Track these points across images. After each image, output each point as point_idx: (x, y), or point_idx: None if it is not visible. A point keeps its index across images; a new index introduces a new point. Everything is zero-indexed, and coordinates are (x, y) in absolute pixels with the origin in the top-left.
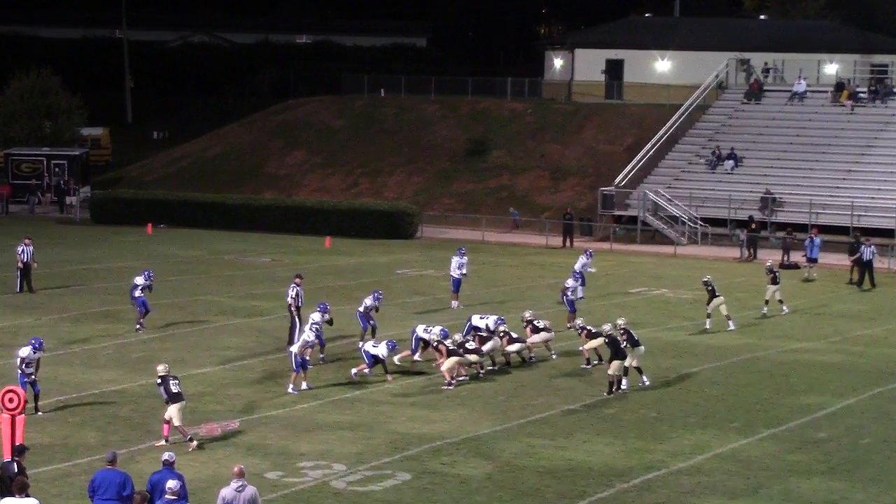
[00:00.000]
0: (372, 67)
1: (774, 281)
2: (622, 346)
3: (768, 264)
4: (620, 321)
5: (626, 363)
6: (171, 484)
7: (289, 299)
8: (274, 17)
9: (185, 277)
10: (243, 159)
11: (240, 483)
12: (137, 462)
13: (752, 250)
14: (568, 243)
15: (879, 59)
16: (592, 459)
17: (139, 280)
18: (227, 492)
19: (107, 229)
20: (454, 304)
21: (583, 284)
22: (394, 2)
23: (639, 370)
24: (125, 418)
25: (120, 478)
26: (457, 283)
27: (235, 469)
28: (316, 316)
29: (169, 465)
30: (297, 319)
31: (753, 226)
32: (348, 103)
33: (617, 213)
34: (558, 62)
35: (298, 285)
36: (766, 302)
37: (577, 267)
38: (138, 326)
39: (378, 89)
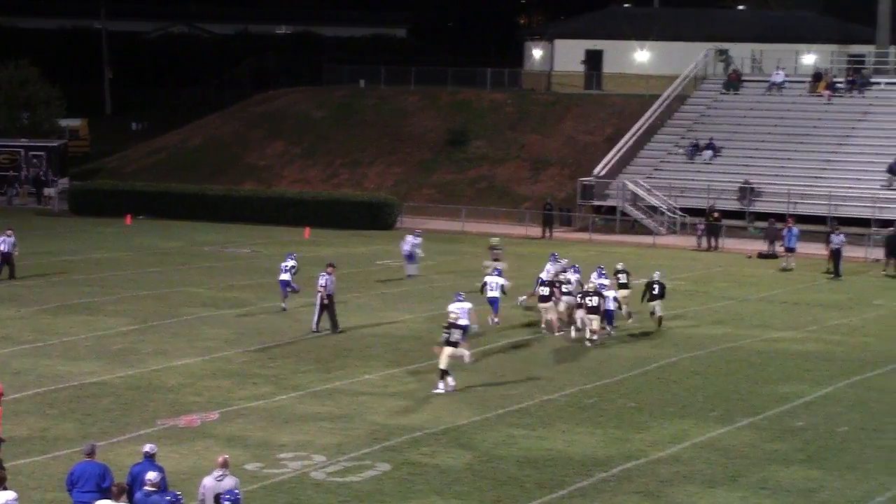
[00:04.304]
0: (352, 58)
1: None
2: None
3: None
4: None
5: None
6: (152, 476)
7: (319, 287)
8: (254, 7)
9: (165, 269)
10: (223, 150)
11: (221, 472)
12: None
13: (712, 240)
14: (548, 233)
15: (857, 49)
16: (572, 449)
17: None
18: (208, 480)
19: (86, 221)
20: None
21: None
22: None
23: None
24: (104, 410)
25: (99, 470)
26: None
27: (220, 459)
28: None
29: (150, 457)
30: (322, 307)
31: (716, 215)
32: (328, 94)
33: (596, 203)
34: (538, 53)
35: (330, 274)
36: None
37: (407, 248)
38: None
39: (358, 80)
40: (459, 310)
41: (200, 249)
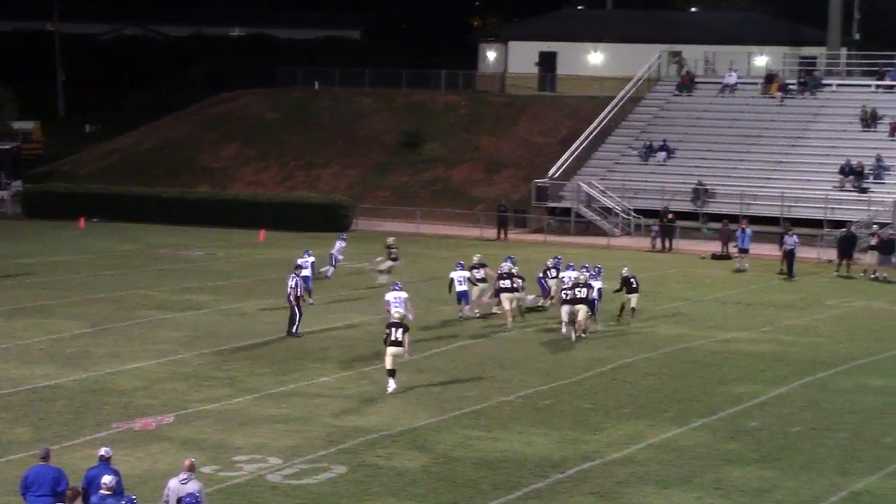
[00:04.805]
0: (306, 60)
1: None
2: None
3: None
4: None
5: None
6: (107, 479)
7: (288, 290)
8: (207, 9)
9: (120, 271)
10: (177, 152)
11: (186, 476)
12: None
13: (666, 241)
14: (502, 235)
15: (808, 51)
16: (528, 450)
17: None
18: (173, 482)
19: (39, 223)
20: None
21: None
22: None
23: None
24: (59, 414)
25: (54, 474)
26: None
27: (186, 462)
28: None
29: (105, 460)
30: (296, 310)
31: (670, 216)
32: (282, 96)
33: (551, 204)
34: (492, 54)
35: (298, 276)
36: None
37: (334, 251)
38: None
39: (312, 82)
40: (395, 299)
41: (155, 252)
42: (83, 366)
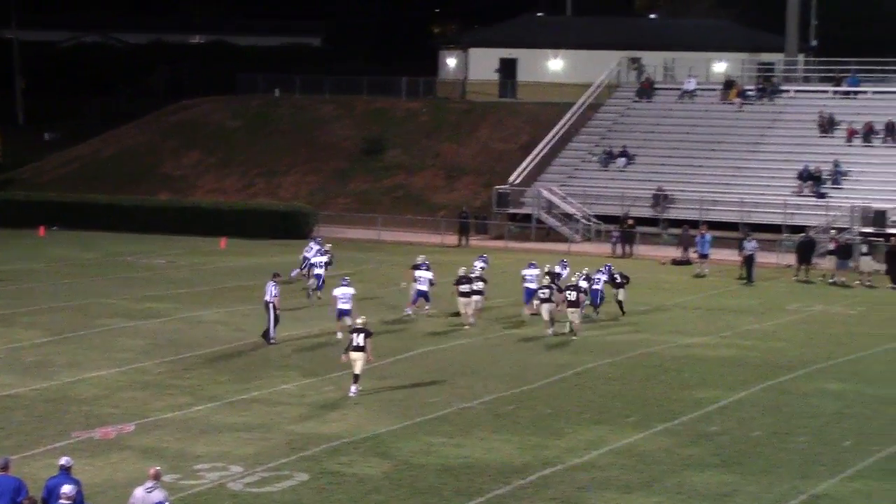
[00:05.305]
0: (266, 67)
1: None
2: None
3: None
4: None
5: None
6: (67, 489)
7: (269, 297)
8: (167, 17)
9: (80, 280)
10: (138, 160)
11: (151, 484)
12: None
13: (626, 246)
14: (464, 241)
15: (767, 57)
16: (489, 457)
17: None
18: (138, 491)
19: None
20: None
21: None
22: (288, 1)
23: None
24: (18, 423)
25: (14, 483)
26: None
27: (151, 471)
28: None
29: (66, 469)
30: (274, 315)
31: (630, 222)
32: (243, 103)
33: (512, 211)
34: (452, 61)
35: (277, 283)
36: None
37: (308, 254)
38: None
39: (273, 89)
40: (342, 295)
41: (115, 260)
42: (43, 375)
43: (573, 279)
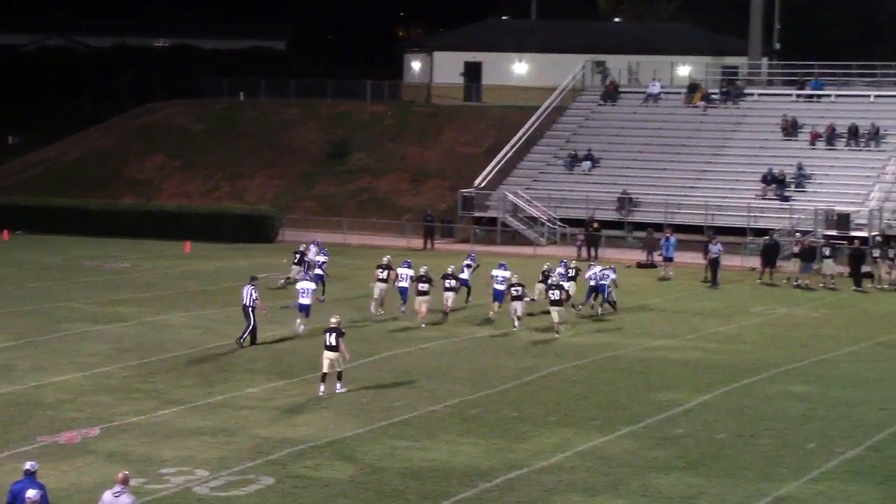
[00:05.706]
0: (231, 71)
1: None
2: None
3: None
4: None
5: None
6: (32, 494)
7: (248, 300)
8: (131, 20)
9: (44, 284)
10: (102, 164)
11: (119, 489)
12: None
13: (591, 250)
14: (429, 245)
15: (730, 60)
16: (455, 460)
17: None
18: (106, 495)
19: None
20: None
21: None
22: (252, 5)
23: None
24: None
25: None
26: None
27: (119, 475)
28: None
29: (30, 474)
30: (251, 319)
31: (595, 225)
32: (208, 107)
33: (477, 214)
34: (417, 65)
35: (255, 286)
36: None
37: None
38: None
39: (237, 93)
40: (302, 289)
41: (80, 264)
42: (8, 379)
43: (554, 278)
